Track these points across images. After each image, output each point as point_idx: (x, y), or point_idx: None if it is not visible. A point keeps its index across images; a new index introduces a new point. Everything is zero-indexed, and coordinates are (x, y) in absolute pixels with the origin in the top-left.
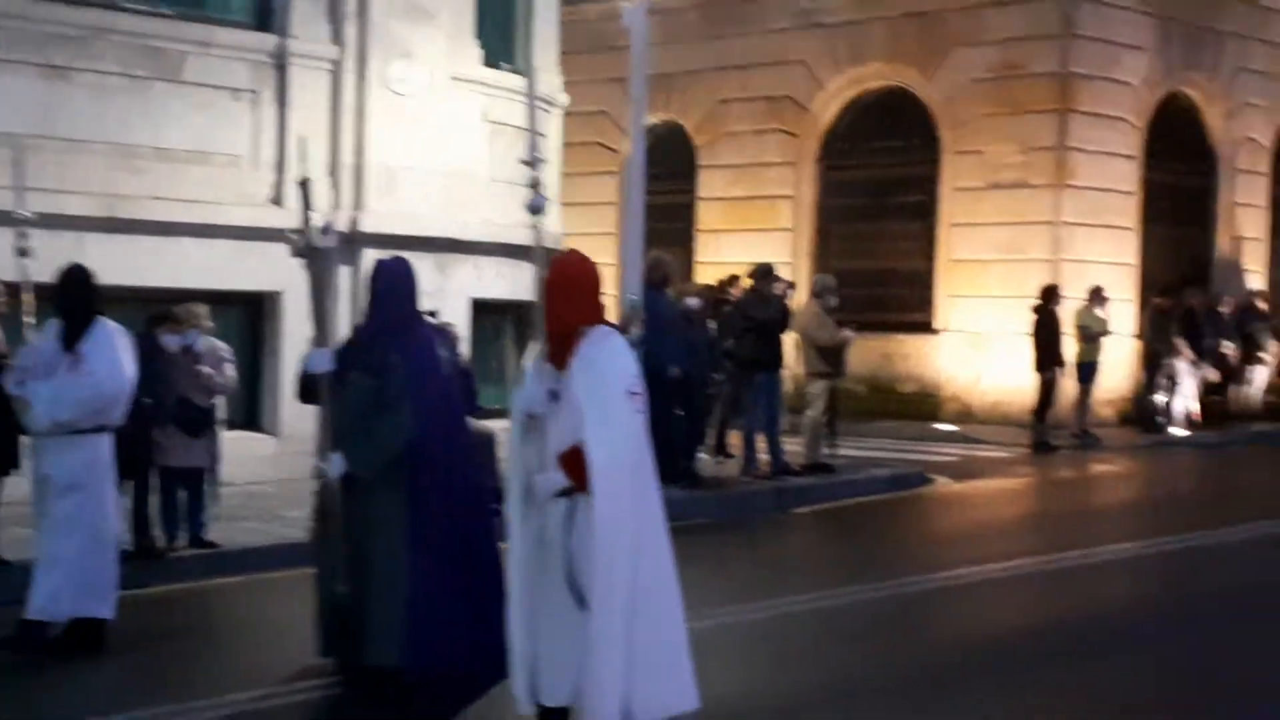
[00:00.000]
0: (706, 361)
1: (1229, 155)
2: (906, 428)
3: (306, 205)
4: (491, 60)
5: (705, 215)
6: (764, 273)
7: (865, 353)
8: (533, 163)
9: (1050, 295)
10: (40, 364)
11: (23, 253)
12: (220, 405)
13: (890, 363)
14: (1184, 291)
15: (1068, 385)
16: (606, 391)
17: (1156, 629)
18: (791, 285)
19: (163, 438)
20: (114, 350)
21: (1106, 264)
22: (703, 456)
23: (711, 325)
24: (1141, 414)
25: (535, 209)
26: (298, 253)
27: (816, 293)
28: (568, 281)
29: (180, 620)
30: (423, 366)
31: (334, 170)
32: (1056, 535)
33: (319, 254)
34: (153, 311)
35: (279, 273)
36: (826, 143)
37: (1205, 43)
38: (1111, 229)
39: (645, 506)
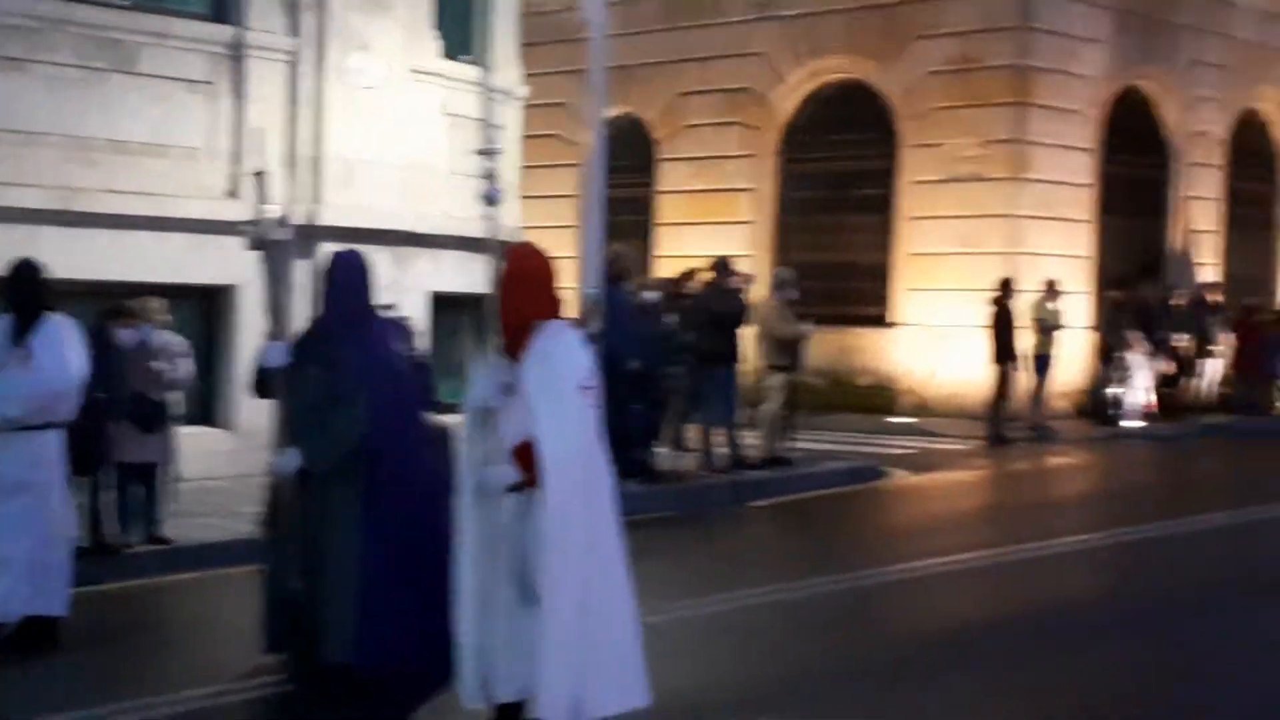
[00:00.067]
0: (663, 355)
1: (1183, 148)
2: (863, 421)
3: (262, 198)
4: (451, 52)
5: (665, 208)
6: (721, 266)
7: (823, 346)
8: (487, 153)
9: (1006, 288)
10: None
11: None
12: (175, 400)
13: (848, 356)
14: (1139, 284)
15: (1023, 378)
16: (559, 386)
17: (1113, 620)
18: (750, 279)
19: (117, 433)
20: (62, 346)
21: (1063, 256)
22: (660, 450)
23: (671, 319)
24: (1096, 407)
25: (490, 200)
26: (253, 246)
27: (777, 285)
28: (523, 274)
29: (135, 617)
30: (378, 360)
31: (291, 163)
32: (1013, 527)
33: (275, 247)
34: (107, 305)
35: (235, 266)
36: (786, 135)
37: (1161, 36)
38: (1068, 222)
39: (597, 502)
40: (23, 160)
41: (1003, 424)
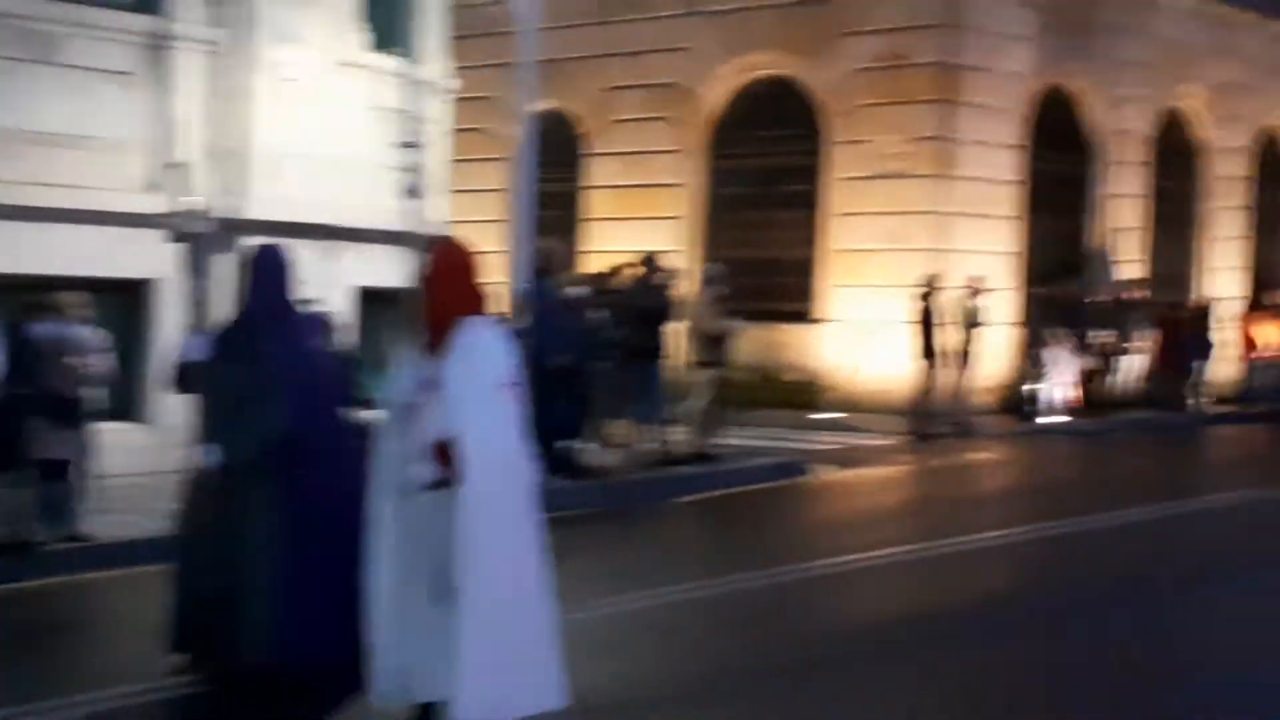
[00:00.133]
0: (590, 350)
1: (1108, 146)
2: (789, 417)
3: (184, 191)
4: (379, 45)
5: (593, 203)
6: (649, 262)
7: (750, 342)
8: (409, 146)
9: (931, 285)
10: None
11: None
12: (94, 396)
13: (775, 352)
14: (1064, 281)
15: (947, 374)
16: (481, 382)
17: (1036, 614)
18: (675, 274)
19: (34, 429)
20: None
21: (990, 253)
22: (587, 446)
23: (598, 314)
24: (1020, 402)
25: (411, 193)
26: (175, 239)
27: (706, 281)
28: (447, 269)
29: (53, 615)
30: (300, 355)
31: (216, 155)
32: (936, 522)
33: (196, 240)
34: (24, 300)
35: (155, 260)
36: (714, 131)
37: (1087, 34)
38: (995, 219)
39: (517, 500)
40: None
41: (926, 419)
